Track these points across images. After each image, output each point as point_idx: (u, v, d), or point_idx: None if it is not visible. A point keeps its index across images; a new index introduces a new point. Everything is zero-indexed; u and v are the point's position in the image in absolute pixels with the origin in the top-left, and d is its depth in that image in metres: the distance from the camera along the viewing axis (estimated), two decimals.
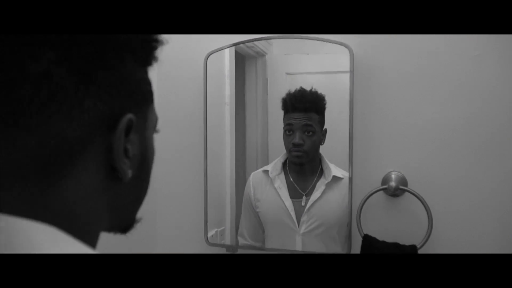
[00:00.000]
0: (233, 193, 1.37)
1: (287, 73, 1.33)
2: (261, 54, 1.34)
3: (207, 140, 1.34)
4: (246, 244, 1.33)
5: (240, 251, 1.33)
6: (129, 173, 0.46)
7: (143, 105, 0.49)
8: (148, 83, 0.49)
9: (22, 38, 0.38)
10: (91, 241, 0.45)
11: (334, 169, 1.25)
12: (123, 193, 0.48)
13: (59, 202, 0.41)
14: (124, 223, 0.52)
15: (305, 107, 1.24)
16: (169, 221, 1.41)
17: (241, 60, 1.35)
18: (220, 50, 1.32)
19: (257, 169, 1.35)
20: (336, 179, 1.24)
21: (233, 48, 1.32)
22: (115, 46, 0.43)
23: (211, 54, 1.32)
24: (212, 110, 1.34)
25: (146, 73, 0.49)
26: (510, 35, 1.11)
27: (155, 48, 0.48)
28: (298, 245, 1.26)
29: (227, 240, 1.36)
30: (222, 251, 1.35)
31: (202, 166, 1.35)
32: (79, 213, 0.43)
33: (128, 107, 0.45)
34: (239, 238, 1.35)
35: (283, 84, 1.32)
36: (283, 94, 1.28)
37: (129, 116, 0.44)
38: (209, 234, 1.34)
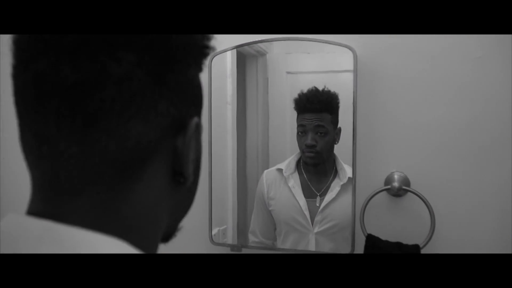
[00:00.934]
0: (235, 192, 1.38)
1: (288, 72, 1.32)
2: (261, 53, 1.33)
3: (212, 141, 1.35)
4: (257, 241, 1.34)
5: (245, 251, 1.34)
6: (192, 177, 0.47)
7: (200, 109, 0.49)
8: (202, 89, 0.50)
9: (103, 40, 0.37)
10: (155, 242, 0.47)
11: (349, 170, 1.25)
12: (181, 198, 0.49)
13: (130, 207, 0.41)
14: (171, 230, 0.53)
15: (316, 107, 1.24)
16: None
17: (242, 60, 1.34)
18: (224, 52, 1.31)
19: (257, 168, 1.35)
20: (351, 180, 1.25)
21: (235, 49, 1.31)
22: (183, 51, 0.43)
23: (216, 55, 1.31)
24: (214, 111, 1.34)
25: (200, 79, 0.49)
26: (510, 36, 1.10)
27: (208, 54, 0.48)
28: (311, 245, 1.28)
29: (229, 239, 1.37)
30: (227, 250, 1.36)
31: (206, 165, 1.35)
32: (146, 217, 0.43)
33: (192, 112, 0.45)
34: (250, 235, 1.36)
35: (284, 84, 1.32)
36: (284, 93, 1.27)
37: (196, 120, 0.45)
38: (212, 233, 1.36)
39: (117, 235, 0.39)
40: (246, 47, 1.30)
